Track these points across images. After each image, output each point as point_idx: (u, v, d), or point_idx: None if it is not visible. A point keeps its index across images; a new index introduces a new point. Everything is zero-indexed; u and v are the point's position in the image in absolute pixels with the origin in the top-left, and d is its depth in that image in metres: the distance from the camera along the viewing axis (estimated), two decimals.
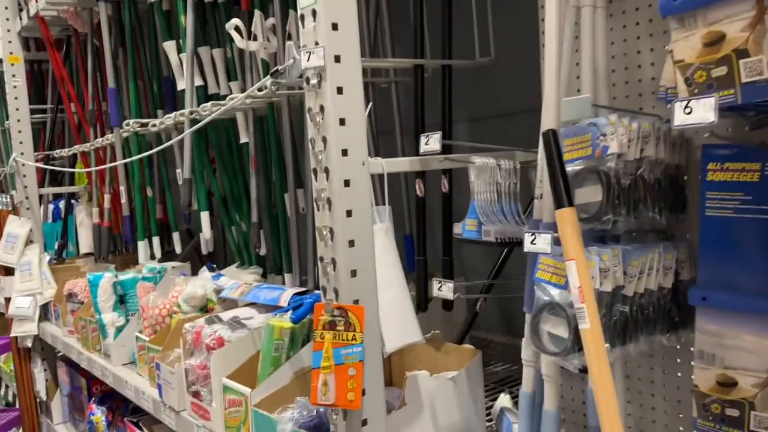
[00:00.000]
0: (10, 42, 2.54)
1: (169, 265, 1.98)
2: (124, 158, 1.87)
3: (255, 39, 1.53)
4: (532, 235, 0.83)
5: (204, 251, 2.05)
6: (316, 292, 1.40)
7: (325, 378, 0.88)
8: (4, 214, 2.61)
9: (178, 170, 1.94)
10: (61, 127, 3.06)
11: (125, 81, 2.00)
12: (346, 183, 0.90)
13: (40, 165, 2.55)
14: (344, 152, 0.90)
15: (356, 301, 0.91)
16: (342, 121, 0.90)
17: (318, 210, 0.92)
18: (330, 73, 0.88)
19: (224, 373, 1.27)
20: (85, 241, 2.75)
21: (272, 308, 1.41)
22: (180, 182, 1.94)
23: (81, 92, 2.56)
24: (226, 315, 1.42)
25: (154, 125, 1.72)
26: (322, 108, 0.89)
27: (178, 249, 2.12)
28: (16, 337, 2.55)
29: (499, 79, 1.62)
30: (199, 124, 1.28)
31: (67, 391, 2.47)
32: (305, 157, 1.54)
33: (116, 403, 2.08)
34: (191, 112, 1.57)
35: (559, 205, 0.81)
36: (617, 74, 1.04)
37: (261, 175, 1.68)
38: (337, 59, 0.89)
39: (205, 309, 1.64)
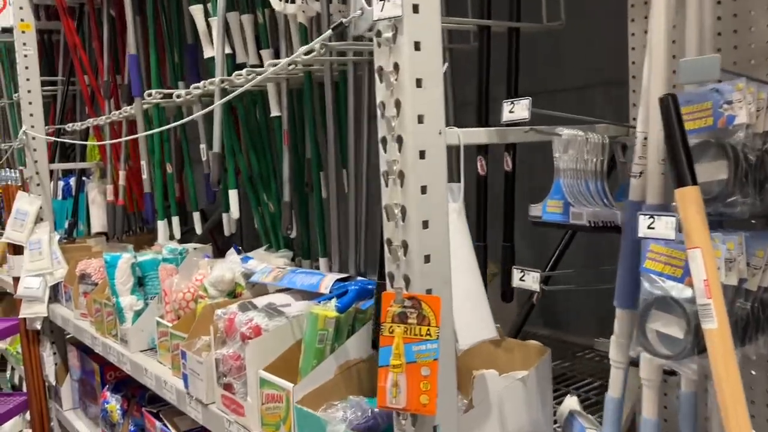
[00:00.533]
0: (21, 8, 2.41)
1: (189, 246, 1.87)
2: (146, 131, 1.74)
3: (293, 1, 1.40)
4: (649, 217, 0.71)
5: (227, 232, 1.93)
6: (359, 278, 1.28)
7: (395, 378, 0.76)
8: (12, 190, 2.50)
9: (202, 146, 1.82)
10: (71, 101, 2.94)
11: (144, 49, 1.87)
12: (422, 154, 0.78)
13: (52, 138, 2.43)
14: (420, 119, 0.78)
15: (429, 291, 0.80)
16: (419, 83, 0.77)
17: (386, 185, 0.80)
18: (407, 25, 0.76)
19: (261, 365, 1.16)
20: (97, 220, 2.63)
21: (310, 295, 1.30)
22: (204, 158, 1.82)
23: (95, 63, 2.43)
24: (260, 301, 1.30)
25: (179, 96, 1.59)
26: (396, 66, 0.77)
27: (198, 229, 2.01)
28: (25, 319, 2.44)
29: (566, 48, 1.48)
30: (237, 92, 1.16)
31: (77, 376, 2.37)
32: (345, 133, 1.43)
33: (131, 390, 1.98)
34: (222, 81, 1.44)
35: (680, 182, 0.69)
36: (724, 38, 0.92)
37: (293, 151, 1.56)
38: (416, 9, 0.76)
39: (233, 294, 1.52)
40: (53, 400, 2.51)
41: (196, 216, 2.00)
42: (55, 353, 2.49)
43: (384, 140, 0.80)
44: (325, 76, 1.30)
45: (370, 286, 1.18)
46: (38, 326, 2.43)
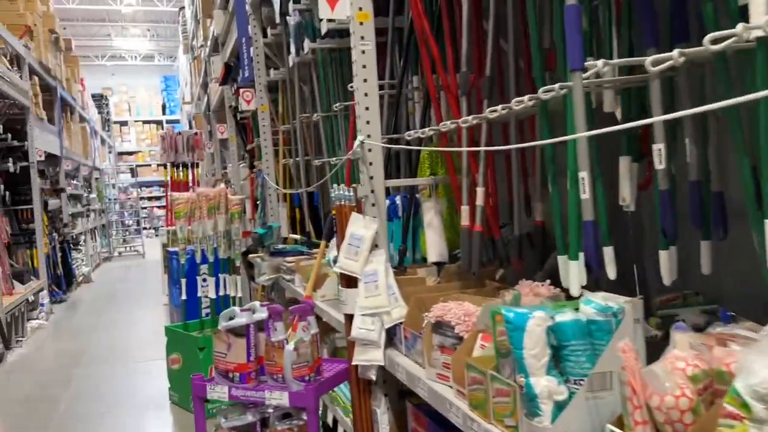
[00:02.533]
0: None
1: (621, 300, 1.23)
2: (586, 124, 1.14)
3: None
4: None
5: (667, 280, 1.27)
6: None
7: None
8: (346, 211, 2.13)
9: (657, 148, 1.17)
10: (395, 107, 2.54)
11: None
12: None
13: (400, 147, 2.00)
14: None
15: None
16: None
17: None
18: None
19: None
20: (434, 247, 2.16)
21: None
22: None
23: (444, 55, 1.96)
24: None
25: (657, 62, 0.95)
26: None
27: (611, 274, 1.36)
28: (357, 366, 2.04)
29: None
30: None
31: None
32: None
33: None
34: None
35: None
36: None
37: None
38: None
39: None
40: None
41: (608, 252, 1.35)
42: (389, 409, 2.06)
43: None
44: None
45: None
46: (373, 376, 2.01)
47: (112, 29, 19.94)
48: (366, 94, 2.06)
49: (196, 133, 8.35)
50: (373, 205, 2.07)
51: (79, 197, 11.83)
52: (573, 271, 1.27)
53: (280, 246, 3.85)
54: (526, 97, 1.31)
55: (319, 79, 3.22)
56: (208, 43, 7.11)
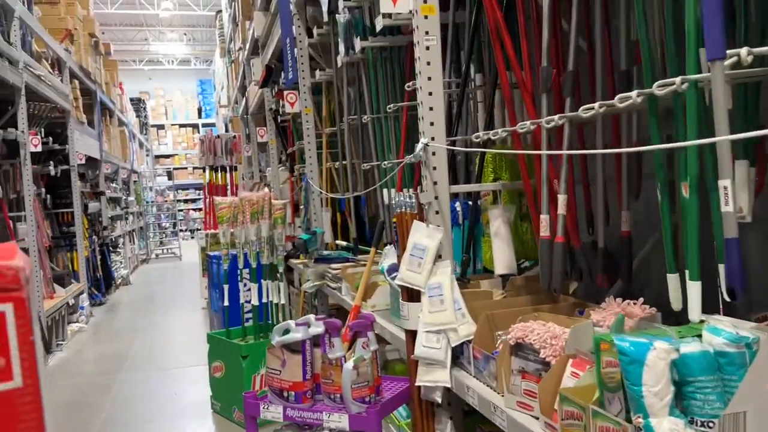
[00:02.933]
0: None
1: (745, 326, 1.06)
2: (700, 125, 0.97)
3: None
4: None
5: None
6: None
7: None
8: (407, 218, 1.99)
9: None
10: (457, 107, 2.39)
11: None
12: None
13: (472, 150, 1.85)
14: None
15: None
16: None
17: None
18: None
19: None
20: (503, 258, 2.00)
21: None
22: None
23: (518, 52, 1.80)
24: None
25: None
26: None
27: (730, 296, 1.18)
28: (419, 387, 1.89)
29: None
30: None
31: None
32: None
33: None
34: None
35: None
36: None
37: None
38: None
39: None
40: None
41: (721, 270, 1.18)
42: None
43: None
44: None
45: None
46: (438, 398, 1.86)
47: (150, 34, 20.19)
48: (430, 93, 1.91)
49: (234, 136, 8.32)
50: (437, 212, 1.93)
51: (118, 200, 11.93)
52: (692, 293, 1.11)
53: (325, 252, 3.73)
54: (634, 93, 1.15)
55: (368, 80, 3.08)
56: (247, 45, 7.05)
